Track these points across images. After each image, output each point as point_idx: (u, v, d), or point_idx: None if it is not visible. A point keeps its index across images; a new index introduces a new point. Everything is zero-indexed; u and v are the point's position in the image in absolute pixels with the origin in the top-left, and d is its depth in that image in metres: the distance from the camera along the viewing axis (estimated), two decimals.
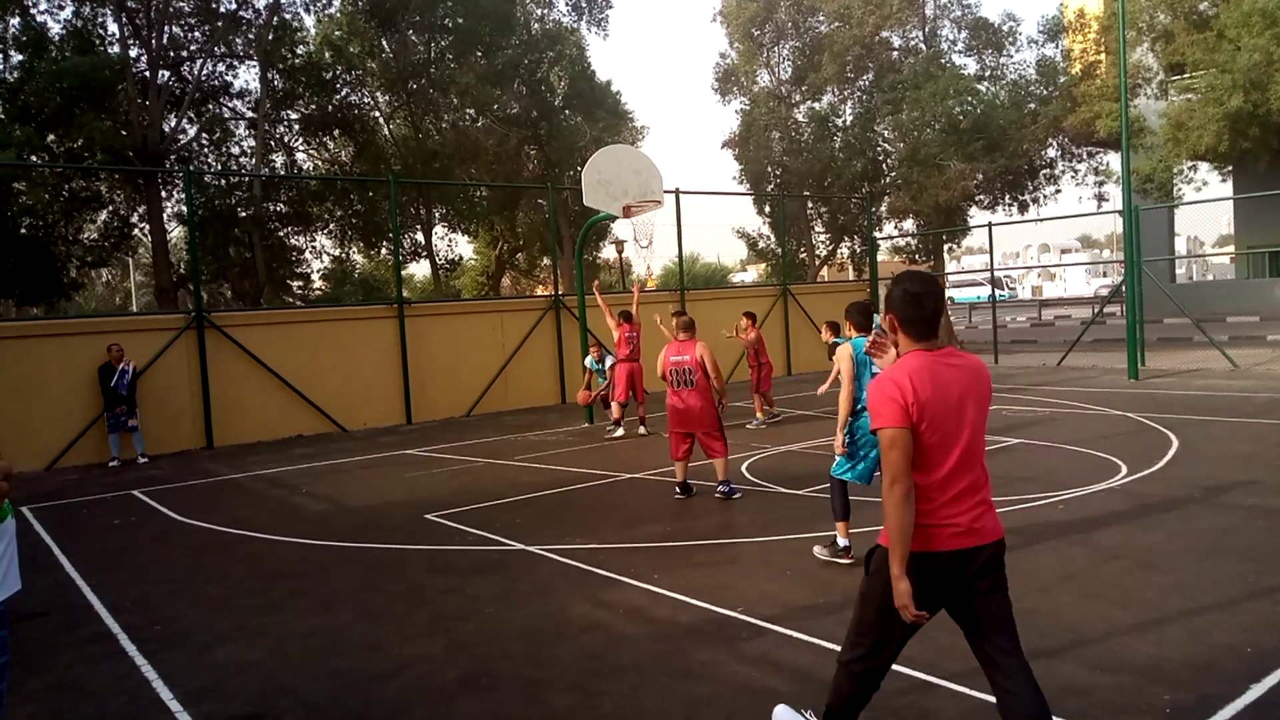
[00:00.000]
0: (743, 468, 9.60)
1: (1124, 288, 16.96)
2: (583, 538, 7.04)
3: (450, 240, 30.12)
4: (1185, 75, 21.05)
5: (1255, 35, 16.76)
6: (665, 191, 14.13)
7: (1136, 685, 3.99)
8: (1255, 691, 3.85)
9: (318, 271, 28.39)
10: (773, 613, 5.14)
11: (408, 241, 27.52)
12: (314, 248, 26.67)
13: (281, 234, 24.90)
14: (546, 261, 33.13)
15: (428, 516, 8.08)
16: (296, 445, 13.35)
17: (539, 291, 34.96)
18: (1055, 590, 5.31)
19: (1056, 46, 25.80)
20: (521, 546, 6.83)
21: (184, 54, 22.52)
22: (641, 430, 12.41)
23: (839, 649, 4.54)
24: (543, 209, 28.99)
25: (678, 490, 8.29)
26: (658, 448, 11.31)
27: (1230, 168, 27.78)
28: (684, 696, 4.16)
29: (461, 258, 33.16)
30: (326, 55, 24.95)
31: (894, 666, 4.33)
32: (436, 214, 28.31)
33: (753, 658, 4.58)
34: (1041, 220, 32.98)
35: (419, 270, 43.53)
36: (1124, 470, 8.37)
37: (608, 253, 35.43)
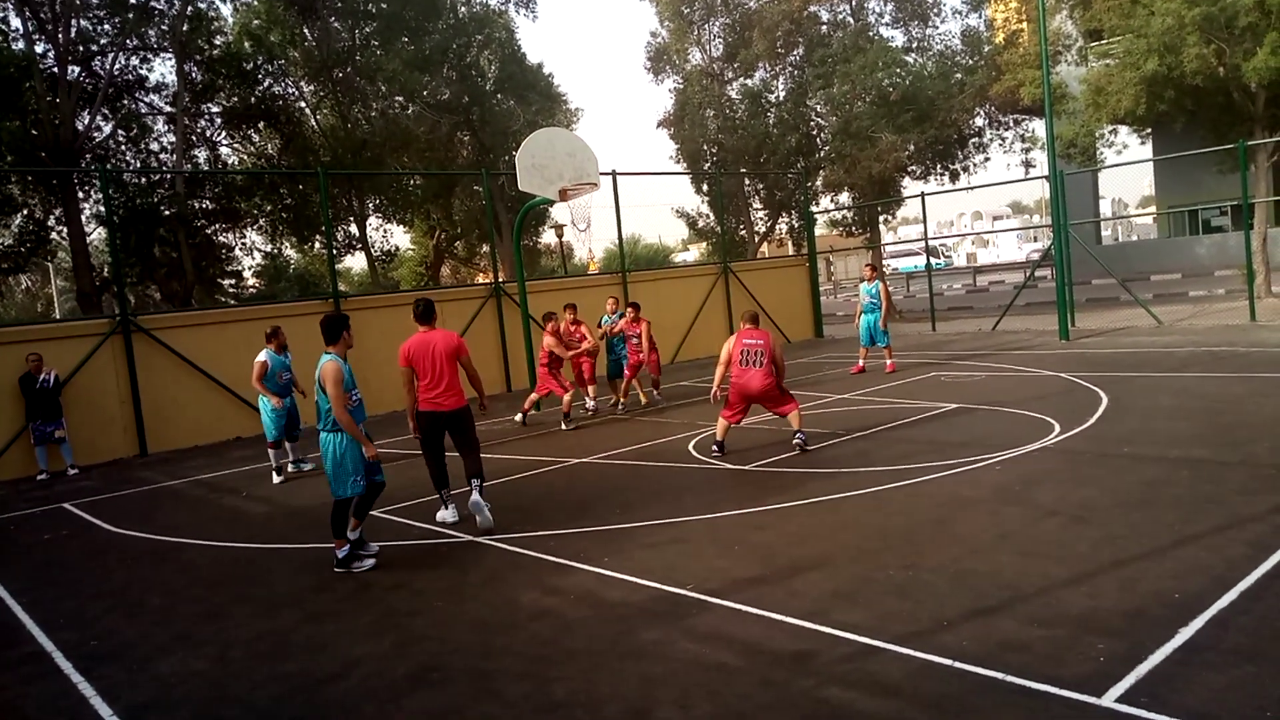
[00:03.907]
0: (690, 446, 9.66)
1: (1053, 251, 17.41)
2: (532, 525, 7.00)
3: (385, 231, 29.57)
4: (1103, 41, 21.57)
5: (1167, 0, 17.24)
6: (601, 173, 14.06)
7: (1072, 636, 4.12)
8: (1183, 635, 4.00)
9: (250, 269, 27.67)
10: (722, 588, 5.19)
11: (341, 234, 26.94)
12: (244, 244, 25.97)
13: (209, 231, 24.16)
14: (486, 249, 32.77)
15: (373, 513, 7.94)
16: (235, 448, 13.03)
17: (479, 279, 34.61)
18: (993, 550, 5.45)
19: (980, 16, 26.26)
20: (470, 538, 6.77)
21: (94, 48, 21.61)
22: (656, 395, 12.95)
23: (788, 619, 4.63)
24: (479, 196, 28.63)
25: (714, 447, 9.00)
26: (606, 432, 11.32)
27: (1149, 130, 28.63)
28: (636, 677, 4.17)
29: (398, 248, 32.58)
30: (246, 45, 24.17)
31: (839, 633, 4.43)
32: (370, 205, 27.75)
33: (703, 634, 4.61)
34: (972, 188, 33.69)
35: (355, 263, 42.77)
36: (1057, 429, 8.62)
37: (548, 237, 35.23)
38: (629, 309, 12.89)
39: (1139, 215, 55.24)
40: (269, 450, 9.97)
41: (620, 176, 18.38)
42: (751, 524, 6.52)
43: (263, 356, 9.77)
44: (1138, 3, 18.19)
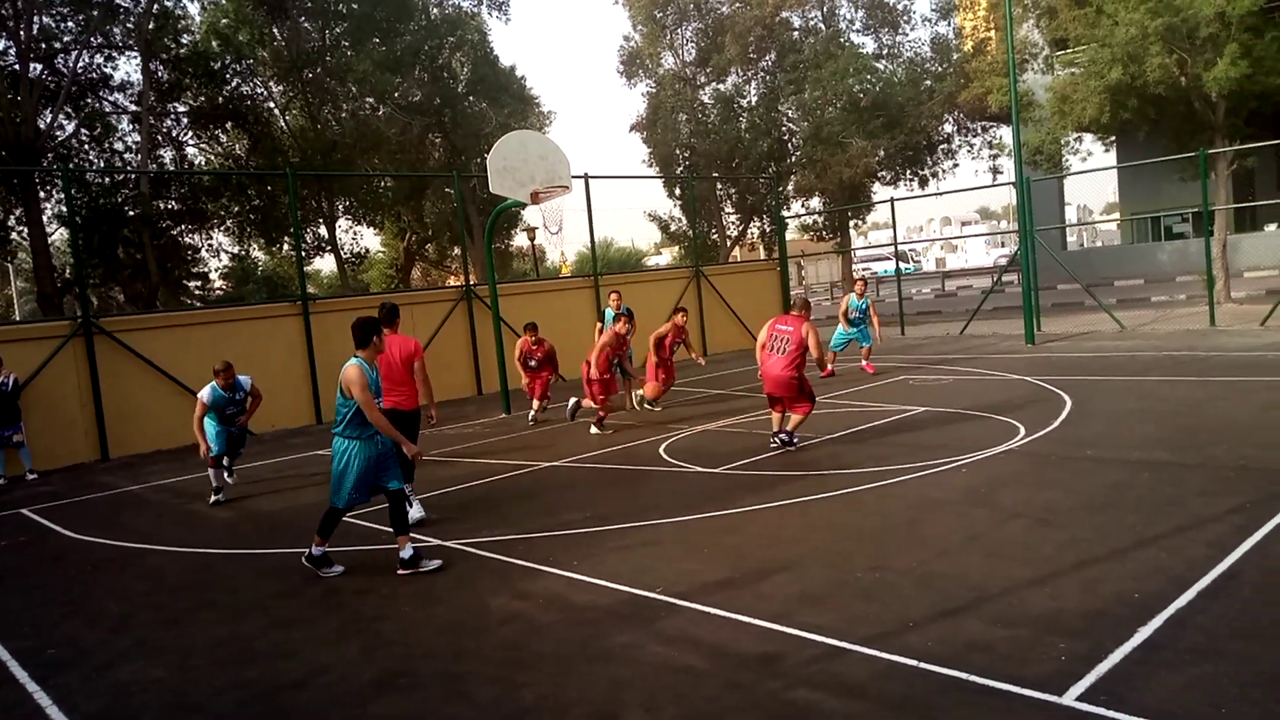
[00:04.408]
0: (661, 449, 9.66)
1: (1019, 257, 17.64)
2: (502, 529, 6.97)
3: (355, 233, 29.34)
4: (1068, 50, 21.92)
5: (1131, 10, 17.52)
6: (574, 176, 14.05)
7: (1034, 637, 4.17)
8: (1142, 634, 4.07)
9: (216, 270, 27.31)
10: (691, 590, 5.19)
11: (310, 236, 26.68)
12: (210, 246, 25.62)
13: (174, 232, 23.81)
14: (457, 251, 32.60)
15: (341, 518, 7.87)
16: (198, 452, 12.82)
17: (450, 282, 34.44)
18: (960, 552, 5.50)
19: (949, 24, 26.58)
20: (439, 542, 6.72)
21: (57, 45, 21.24)
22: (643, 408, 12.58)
23: (755, 621, 4.64)
24: (450, 198, 28.50)
25: (771, 440, 9.11)
26: (576, 435, 11.30)
27: (1113, 138, 29.13)
28: (605, 680, 4.16)
29: (368, 251, 32.32)
30: (214, 44, 23.87)
31: (806, 634, 4.46)
32: (339, 206, 27.51)
33: (671, 637, 4.61)
34: (941, 194, 34.07)
35: (325, 265, 42.39)
36: (1022, 432, 8.73)
37: (520, 240, 35.13)
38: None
39: (1103, 222, 56.18)
40: (209, 470, 9.16)
41: (593, 180, 18.39)
42: (722, 527, 6.54)
43: (204, 395, 8.96)
44: (1102, 12, 18.51)
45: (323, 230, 26.98)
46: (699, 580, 5.39)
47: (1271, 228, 31.80)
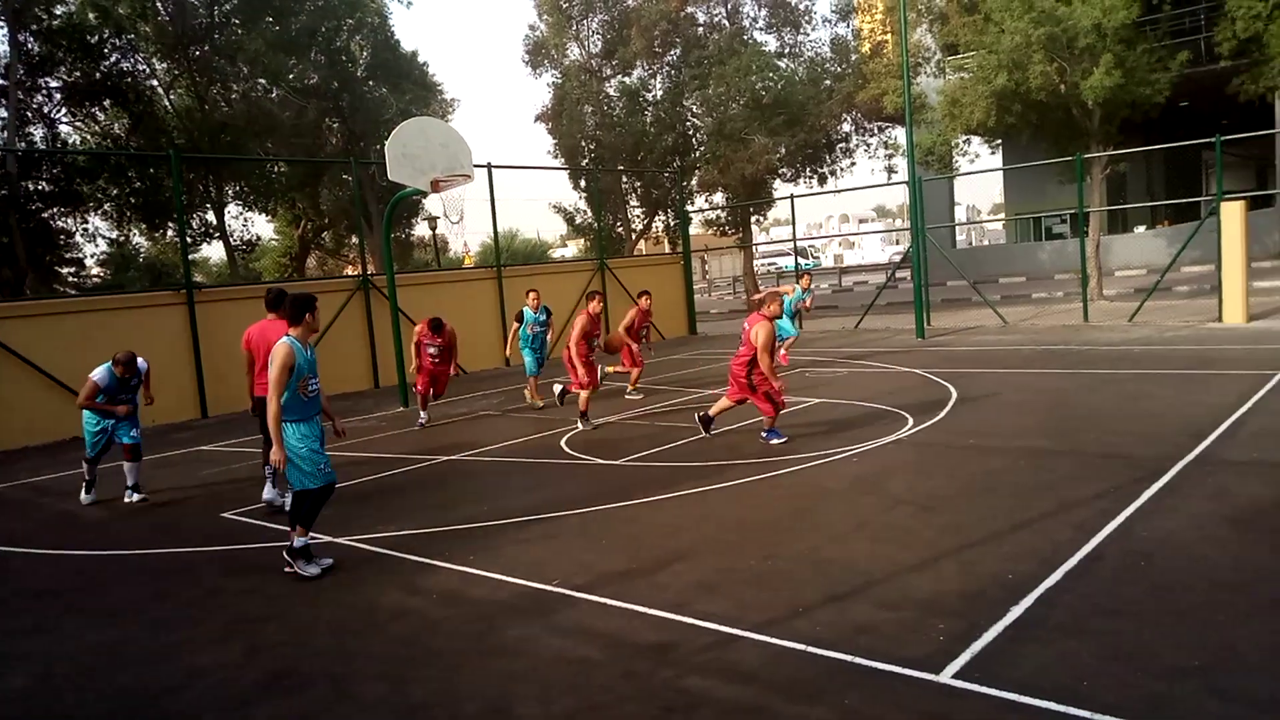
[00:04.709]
0: (563, 442, 9.63)
1: (911, 254, 18.29)
2: (396, 525, 6.82)
3: (246, 219, 28.19)
4: (958, 55, 22.83)
5: (1016, 19, 18.37)
6: (476, 165, 13.84)
7: (917, 618, 4.34)
8: (1014, 613, 4.28)
9: (93, 257, 25.79)
10: (588, 582, 5.20)
11: (196, 221, 25.46)
12: (86, 230, 24.14)
13: (45, 216, 22.35)
14: (355, 240, 31.69)
15: (225, 515, 7.57)
16: (73, 448, 12.07)
17: (347, 272, 33.47)
18: (849, 538, 5.68)
19: (848, 26, 27.29)
20: (329, 539, 6.53)
21: None
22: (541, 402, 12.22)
23: (651, 611, 4.68)
24: (348, 185, 27.67)
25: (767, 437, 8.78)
26: (475, 429, 11.15)
27: (999, 141, 30.54)
28: (498, 674, 4.13)
29: (259, 238, 31.06)
30: (90, 16, 22.47)
31: (700, 623, 4.51)
32: (229, 191, 26.35)
33: (567, 629, 4.61)
34: (839, 192, 35.01)
35: (214, 252, 40.59)
36: (910, 422, 9.07)
37: (421, 230, 34.38)
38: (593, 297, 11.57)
39: (990, 221, 58.77)
40: (84, 462, 8.52)
41: (496, 169, 18.16)
42: (621, 518, 6.56)
43: (99, 376, 8.22)
44: (990, 20, 19.33)
45: (210, 216, 25.79)
46: (597, 572, 5.40)
47: (1141, 229, 33.89)
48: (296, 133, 25.22)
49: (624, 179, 28.45)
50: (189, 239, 21.77)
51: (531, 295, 12.60)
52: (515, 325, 12.66)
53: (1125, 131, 21.21)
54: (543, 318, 12.49)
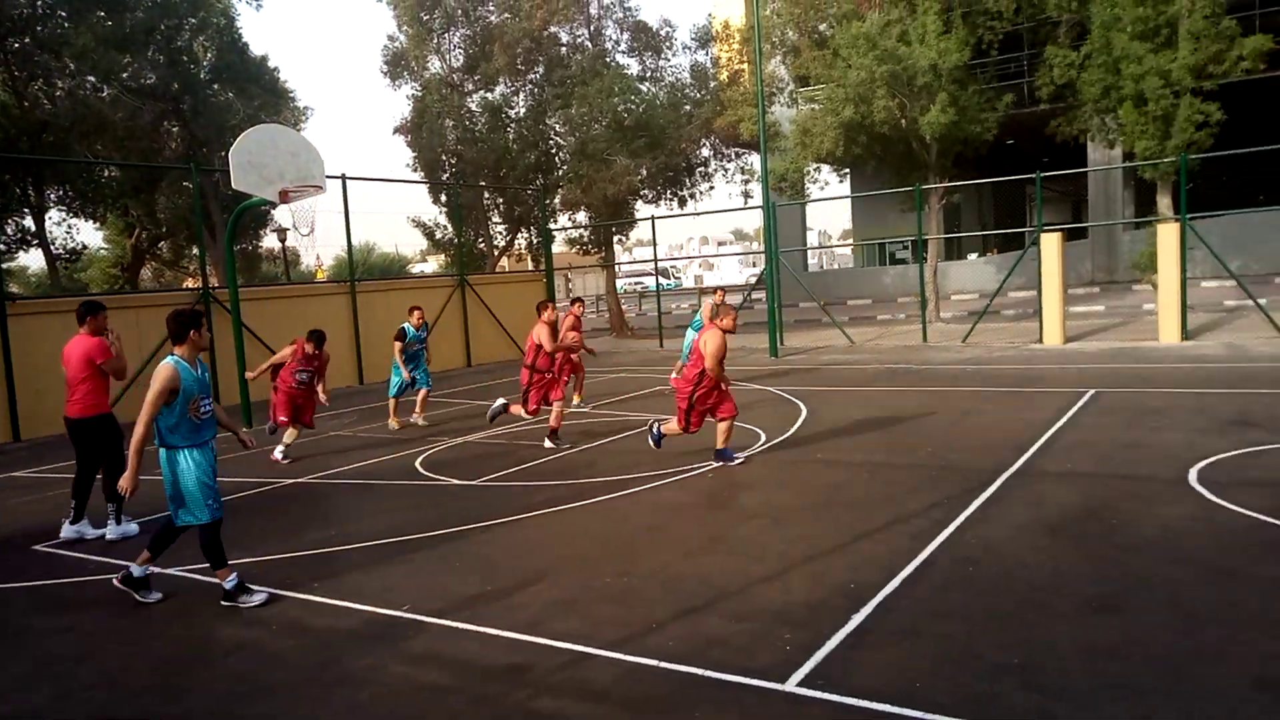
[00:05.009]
0: (417, 463, 9.37)
1: (766, 276, 18.95)
2: (235, 552, 6.39)
3: (71, 226, 26.07)
4: (809, 87, 23.94)
5: (861, 56, 19.47)
6: (330, 176, 13.36)
7: (765, 629, 4.46)
8: (855, 621, 4.47)
9: None
10: (440, 607, 5.06)
11: (12, 227, 23.35)
12: None
13: None
14: (196, 251, 29.90)
15: (37, 548, 6.93)
16: None
17: (187, 284, 31.53)
18: (703, 553, 5.78)
19: (706, 54, 28.09)
20: (158, 570, 6.08)
21: None
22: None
23: (505, 633, 4.60)
24: (188, 192, 26.10)
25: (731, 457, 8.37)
26: (325, 450, 10.69)
27: (847, 170, 32.17)
28: (341, 706, 3.95)
29: (85, 247, 28.80)
30: None
31: (554, 643, 4.47)
32: (51, 196, 24.33)
33: (417, 655, 4.47)
34: (698, 214, 35.88)
35: (33, 261, 37.40)
36: (763, 438, 9.35)
37: (270, 241, 32.84)
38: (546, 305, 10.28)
39: (839, 246, 61.75)
40: None
41: (351, 181, 17.57)
42: (475, 539, 6.44)
43: None
44: (838, 56, 20.38)
45: (29, 221, 23.72)
46: (449, 595, 5.27)
47: (973, 257, 36.42)
48: (130, 135, 23.60)
49: (486, 195, 28.16)
50: (2, 246, 19.94)
51: (416, 314, 12.08)
52: (398, 344, 11.82)
53: (959, 165, 22.82)
54: (423, 335, 12.10)
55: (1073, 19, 19.40)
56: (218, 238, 23.79)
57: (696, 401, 8.21)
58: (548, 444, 9.63)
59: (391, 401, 12.01)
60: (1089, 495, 6.48)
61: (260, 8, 38.47)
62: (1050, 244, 16.37)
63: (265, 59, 27.39)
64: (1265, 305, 15.66)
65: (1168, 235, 15.19)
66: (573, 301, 13.22)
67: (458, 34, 28.27)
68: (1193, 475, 6.75)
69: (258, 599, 5.31)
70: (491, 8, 27.43)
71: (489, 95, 28.29)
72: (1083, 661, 3.92)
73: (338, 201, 17.45)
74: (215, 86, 25.87)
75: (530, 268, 29.31)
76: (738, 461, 8.19)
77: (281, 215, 27.97)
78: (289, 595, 5.43)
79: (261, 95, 26.23)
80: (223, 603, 5.32)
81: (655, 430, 8.67)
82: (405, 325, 11.96)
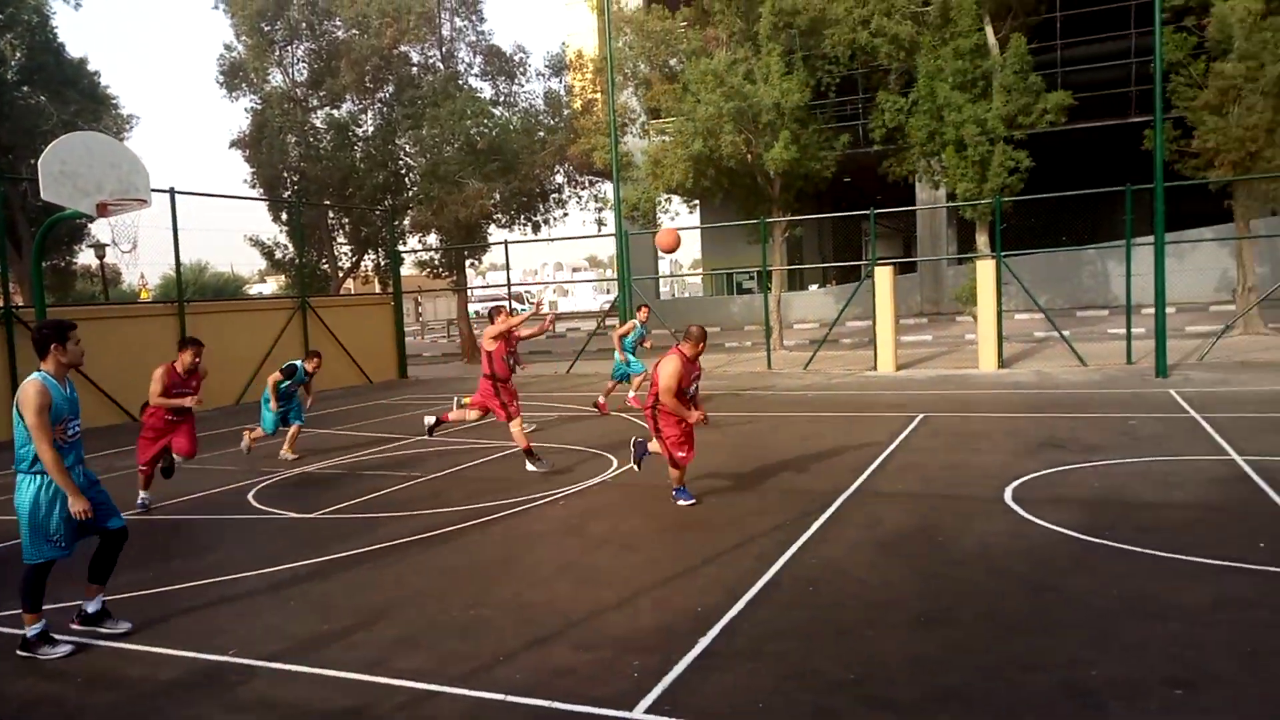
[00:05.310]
0: (249, 495, 8.83)
1: (619, 303, 19.15)
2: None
3: None
4: (661, 120, 24.55)
5: (710, 92, 20.19)
6: (156, 190, 12.53)
7: (613, 657, 4.44)
8: (702, 644, 4.53)
9: None
10: (271, 650, 4.76)
11: None
12: None
13: None
14: None
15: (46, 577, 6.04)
16: None
17: None
18: (552, 581, 5.72)
19: (561, 81, 28.30)
20: None
21: None
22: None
23: (343, 675, 4.38)
24: None
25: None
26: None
27: (696, 201, 33.12)
28: None
29: None
30: None
31: (397, 681, 4.30)
32: None
33: (246, 703, 4.18)
34: (552, 240, 35.94)
35: None
36: (615, 464, 9.40)
37: (87, 258, 30.32)
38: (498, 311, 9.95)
39: (690, 275, 63.31)
40: None
41: (181, 195, 16.51)
42: (313, 576, 6.11)
43: None
44: (688, 90, 21.03)
45: None
46: (282, 636, 4.97)
47: (814, 288, 38.20)
48: None
49: (331, 214, 27.14)
50: None
51: (314, 360, 11.03)
52: (276, 376, 10.71)
53: (801, 200, 23.95)
54: (305, 380, 11.06)
55: (902, 67, 20.84)
56: (24, 253, 21.76)
57: (661, 429, 7.39)
58: (530, 467, 9.18)
59: (257, 432, 10.78)
60: (918, 514, 6.87)
61: (79, 7, 35.69)
62: (883, 277, 17.38)
63: (84, 62, 25.46)
64: (1069, 336, 17.21)
65: (985, 271, 16.45)
66: (496, 311, 12.42)
67: (301, 47, 27.26)
68: (1008, 494, 7.28)
69: (61, 650, 4.83)
70: (339, 23, 26.63)
71: (335, 112, 27.38)
72: (913, 673, 4.12)
73: (165, 217, 16.36)
74: (25, 88, 23.80)
75: (378, 290, 28.45)
76: (690, 503, 7.41)
77: (100, 230, 25.96)
78: (101, 645, 4.96)
79: (79, 100, 24.34)
80: (19, 653, 4.81)
81: (639, 449, 7.96)
82: (297, 364, 10.90)
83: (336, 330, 19.93)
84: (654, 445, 7.72)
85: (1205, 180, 17.80)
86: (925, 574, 5.51)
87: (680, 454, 7.32)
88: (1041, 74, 19.58)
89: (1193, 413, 10.60)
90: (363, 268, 28.78)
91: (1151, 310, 14.52)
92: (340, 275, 28.26)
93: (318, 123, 27.52)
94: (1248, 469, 7.67)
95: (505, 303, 10.35)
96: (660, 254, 14.17)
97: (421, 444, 11.38)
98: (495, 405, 9.37)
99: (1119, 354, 16.12)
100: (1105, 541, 5.89)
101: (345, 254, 28.66)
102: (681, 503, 7.43)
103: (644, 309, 14.72)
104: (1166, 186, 14.18)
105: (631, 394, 13.92)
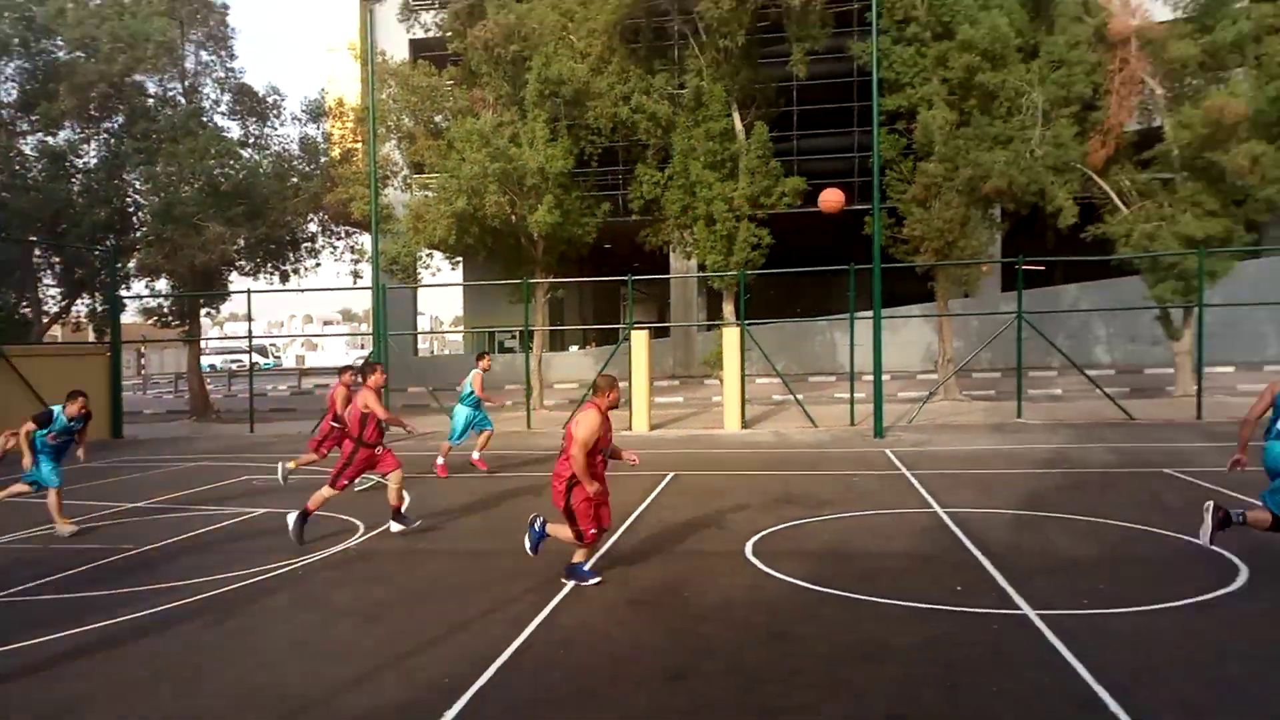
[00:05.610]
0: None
1: (372, 359, 18.39)
2: None
3: None
4: (424, 174, 24.20)
5: (475, 151, 20.20)
6: None
7: None
8: (449, 716, 4.33)
9: None
10: None
11: None
12: None
13: None
14: None
15: None
16: None
17: None
18: (285, 660, 5.25)
19: (319, 128, 27.15)
20: None
21: None
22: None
23: None
24: None
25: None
26: None
27: (459, 258, 32.83)
28: None
29: None
30: None
31: None
32: None
33: None
34: (302, 291, 34.07)
35: None
36: (362, 529, 8.89)
37: None
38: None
39: (450, 332, 62.38)
40: None
41: None
42: None
43: None
44: (453, 148, 20.94)
45: None
46: None
47: (574, 349, 38.91)
48: None
49: (38, 252, 24.02)
50: None
51: (78, 401, 9.10)
52: (30, 427, 8.96)
53: (563, 263, 24.44)
54: (78, 426, 9.23)
55: (660, 143, 22.08)
56: None
57: (574, 499, 6.71)
58: (395, 527, 8.54)
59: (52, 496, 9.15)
60: (666, 570, 7.06)
61: None
62: (639, 340, 18.04)
63: None
64: (802, 400, 18.70)
65: (730, 337, 17.57)
66: (342, 370, 11.31)
67: (12, 65, 24.22)
68: (749, 548, 7.69)
69: None
70: (60, 42, 23.99)
71: (50, 139, 24.48)
72: None
73: None
74: None
75: (92, 339, 25.43)
76: (594, 582, 6.67)
77: None
78: None
79: None
80: None
81: (537, 529, 7.09)
82: (54, 409, 9.16)
83: (36, 383, 17.47)
84: (553, 527, 7.04)
85: (913, 264, 20.24)
86: (672, 630, 5.64)
87: (592, 530, 6.71)
88: (781, 160, 21.53)
89: (904, 470, 11.82)
90: (74, 313, 25.61)
91: (870, 377, 16.14)
92: (45, 320, 24.96)
93: (27, 149, 24.46)
94: (947, 520, 8.64)
95: (367, 357, 9.40)
96: (824, 211, 14.35)
97: (141, 512, 10.17)
98: (339, 466, 8.56)
99: (844, 416, 17.71)
100: (833, 591, 6.35)
101: (53, 297, 25.40)
102: (591, 582, 6.65)
103: (486, 357, 13.81)
104: (883, 267, 15.96)
105: (476, 454, 13.11)
